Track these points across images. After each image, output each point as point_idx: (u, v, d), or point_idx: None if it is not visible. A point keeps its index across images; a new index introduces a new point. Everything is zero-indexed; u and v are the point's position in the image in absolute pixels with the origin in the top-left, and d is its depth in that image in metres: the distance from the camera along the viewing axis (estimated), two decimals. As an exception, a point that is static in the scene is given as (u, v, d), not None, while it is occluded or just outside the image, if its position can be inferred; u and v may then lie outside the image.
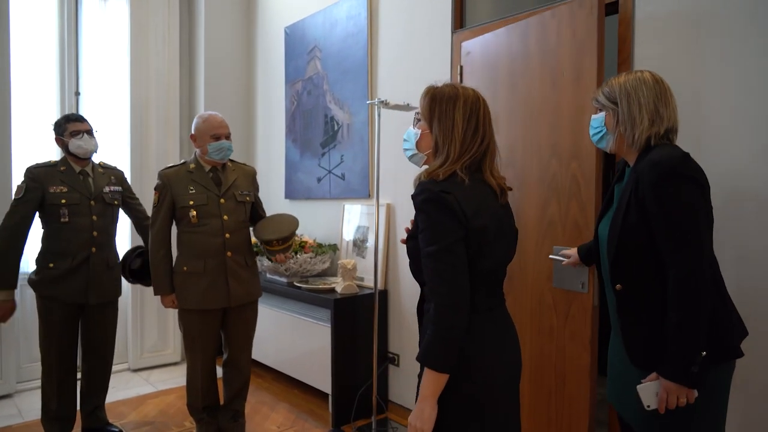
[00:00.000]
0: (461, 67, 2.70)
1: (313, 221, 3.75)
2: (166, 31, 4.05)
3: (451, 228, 1.25)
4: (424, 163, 1.45)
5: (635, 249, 1.41)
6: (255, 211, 2.74)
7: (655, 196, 1.35)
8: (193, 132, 2.60)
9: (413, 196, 1.31)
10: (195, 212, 2.51)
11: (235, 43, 4.32)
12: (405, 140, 1.49)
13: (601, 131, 1.54)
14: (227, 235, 2.54)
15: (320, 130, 3.64)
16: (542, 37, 2.25)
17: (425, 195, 1.27)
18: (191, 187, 2.52)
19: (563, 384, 2.19)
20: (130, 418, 3.13)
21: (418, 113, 1.44)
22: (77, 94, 3.83)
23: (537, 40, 2.28)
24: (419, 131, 1.44)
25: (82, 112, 3.85)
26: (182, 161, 2.66)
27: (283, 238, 2.59)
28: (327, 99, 3.57)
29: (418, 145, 1.43)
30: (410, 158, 1.48)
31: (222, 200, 2.56)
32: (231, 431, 2.70)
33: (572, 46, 2.13)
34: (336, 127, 3.50)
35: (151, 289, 3.97)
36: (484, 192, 1.34)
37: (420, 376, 1.34)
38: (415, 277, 1.42)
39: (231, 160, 2.69)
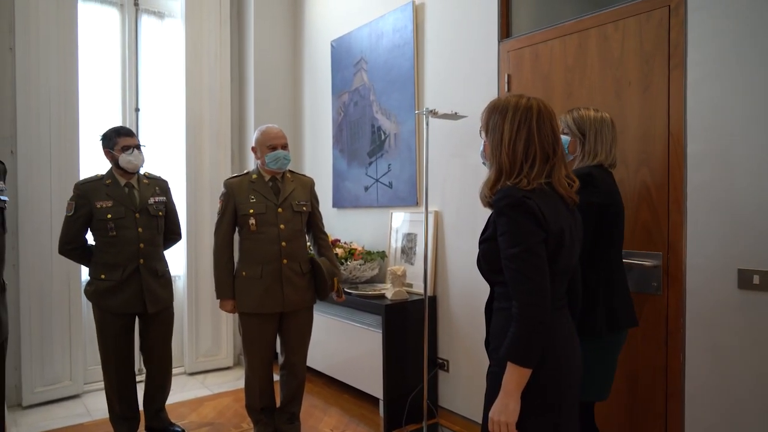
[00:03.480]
0: (509, 76, 2.75)
1: (360, 229, 3.84)
2: (218, 48, 4.23)
3: (533, 230, 1.32)
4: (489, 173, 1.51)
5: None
6: (312, 221, 2.83)
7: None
8: (253, 144, 2.72)
9: (495, 201, 1.38)
10: (254, 220, 2.63)
11: (282, 57, 4.47)
12: (481, 151, 1.57)
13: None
14: (283, 243, 2.65)
15: (367, 140, 3.73)
16: (604, 49, 2.32)
17: (508, 200, 1.35)
18: (252, 196, 2.65)
19: (635, 385, 2.22)
20: (191, 418, 3.26)
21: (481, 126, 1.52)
22: (137, 110, 4.04)
23: (598, 52, 2.34)
24: (482, 142, 1.52)
25: (141, 128, 4.06)
26: (245, 171, 2.79)
27: (330, 289, 2.72)
28: (374, 109, 3.66)
29: (484, 154, 1.51)
30: (485, 165, 1.55)
31: (279, 209, 2.67)
32: None
33: (639, 57, 2.20)
34: (383, 137, 3.58)
35: (205, 297, 4.16)
36: (556, 198, 1.40)
37: (491, 373, 1.40)
38: (485, 277, 1.49)
39: (291, 171, 2.81)
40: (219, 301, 2.70)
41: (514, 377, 1.31)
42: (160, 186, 2.87)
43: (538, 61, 2.60)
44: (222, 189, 2.71)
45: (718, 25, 1.97)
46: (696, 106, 2.03)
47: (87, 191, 2.65)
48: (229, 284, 2.66)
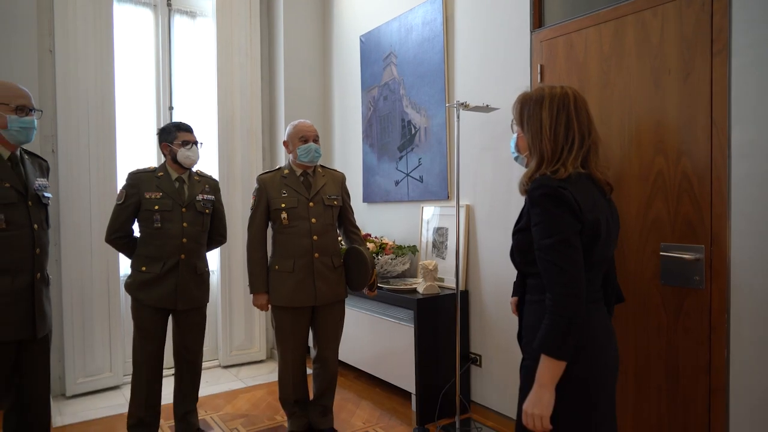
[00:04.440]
0: (542, 67, 2.70)
1: (391, 223, 3.83)
2: (249, 45, 4.27)
3: (568, 221, 1.30)
4: (526, 165, 1.49)
5: None
6: (344, 216, 2.84)
7: None
8: (285, 138, 2.76)
9: (529, 192, 1.36)
10: (286, 214, 2.66)
11: (312, 54, 4.49)
12: (512, 144, 1.56)
13: None
14: (315, 237, 2.67)
15: (397, 134, 3.72)
16: (642, 36, 2.26)
17: (543, 190, 1.32)
18: (284, 191, 2.68)
19: (675, 382, 2.17)
20: (226, 410, 3.32)
21: (513, 119, 1.51)
22: (170, 108, 4.11)
23: (636, 40, 2.28)
24: (515, 135, 1.51)
25: (175, 125, 4.14)
26: (278, 167, 2.82)
27: (368, 281, 2.69)
28: (404, 103, 3.65)
29: (517, 147, 1.50)
30: (516, 160, 1.55)
31: (311, 203, 2.69)
32: (321, 425, 2.82)
33: (679, 43, 2.13)
34: (413, 131, 3.57)
35: (239, 291, 4.22)
36: (592, 187, 1.38)
37: (524, 367, 1.38)
38: (518, 269, 1.47)
39: (322, 166, 2.83)
40: (252, 295, 2.73)
41: (549, 370, 1.30)
42: (210, 185, 2.84)
43: (572, 50, 2.54)
44: (255, 185, 2.75)
45: (766, 7, 1.89)
46: (741, 93, 1.95)
47: (139, 181, 2.66)
48: (262, 278, 2.69)
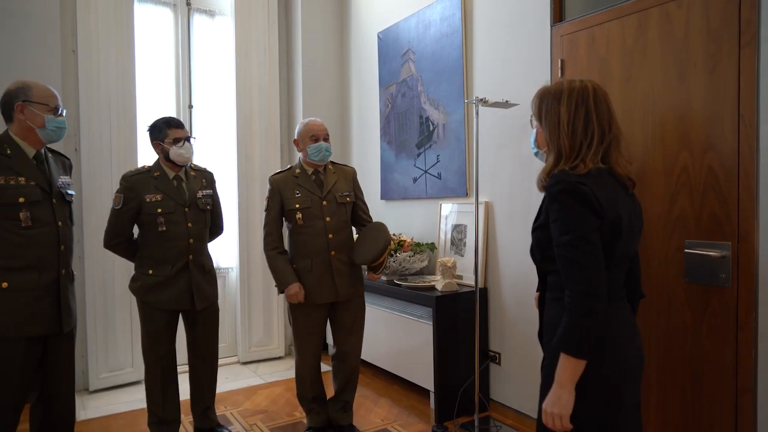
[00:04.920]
0: (562, 61, 2.67)
1: (409, 220, 3.82)
2: (267, 43, 4.29)
3: (587, 218, 1.27)
4: (546, 160, 1.47)
5: None
6: (356, 211, 2.83)
7: None
8: (296, 137, 2.75)
9: (548, 187, 1.34)
10: (301, 215, 2.66)
11: (329, 51, 4.50)
12: (531, 140, 1.54)
13: None
14: (330, 236, 2.67)
15: (415, 131, 3.70)
16: (667, 29, 2.21)
17: (561, 186, 1.30)
18: (297, 191, 2.68)
19: (700, 382, 2.13)
20: (245, 406, 3.35)
21: (532, 114, 1.49)
22: (190, 107, 4.15)
23: (660, 33, 2.23)
24: (535, 130, 1.50)
25: (195, 125, 4.18)
26: (289, 167, 2.82)
27: (374, 259, 2.64)
28: (422, 100, 3.63)
29: (536, 143, 1.48)
30: (536, 156, 1.53)
31: (324, 202, 2.69)
32: (341, 421, 2.83)
33: (705, 35, 2.08)
34: (431, 128, 3.55)
35: (257, 288, 4.24)
36: (614, 183, 1.35)
37: (545, 366, 1.36)
38: (537, 266, 1.45)
39: (332, 163, 2.82)
40: (284, 294, 2.65)
41: (568, 369, 1.28)
42: (206, 178, 2.79)
43: (594, 44, 2.50)
44: (268, 186, 2.74)
45: (795, -2, 1.84)
46: (770, 86, 1.90)
47: (135, 184, 2.56)
48: (289, 271, 2.64)
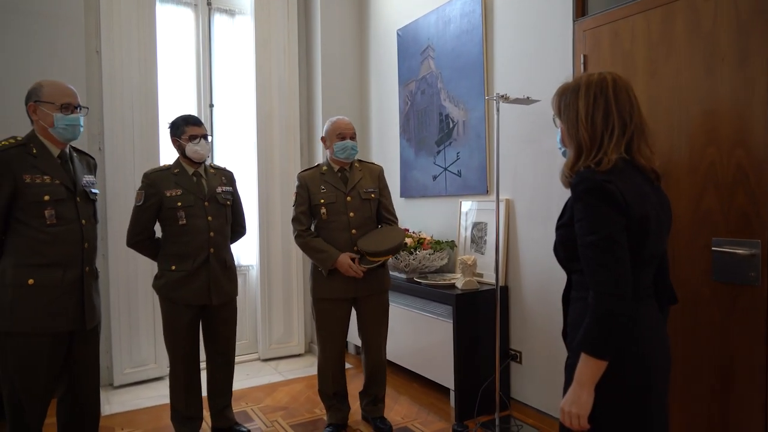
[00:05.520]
0: (585, 57, 2.62)
1: (429, 218, 3.81)
2: (286, 42, 4.31)
3: (612, 217, 1.24)
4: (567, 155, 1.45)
5: None
6: (381, 208, 2.84)
7: None
8: (323, 134, 2.79)
9: (572, 186, 1.31)
10: (325, 210, 2.69)
11: (349, 49, 4.49)
12: (558, 138, 1.51)
13: None
14: (353, 231, 2.70)
15: (435, 129, 3.68)
16: (693, 22, 2.15)
17: (586, 184, 1.27)
18: (323, 187, 2.72)
19: (730, 383, 2.07)
20: (266, 402, 3.37)
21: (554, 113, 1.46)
22: (211, 106, 4.19)
23: (686, 26, 2.18)
24: (558, 129, 1.46)
25: (216, 123, 4.21)
26: (317, 164, 2.86)
27: (374, 252, 2.63)
28: (441, 97, 3.61)
29: (562, 141, 1.46)
30: (564, 155, 1.50)
31: (348, 198, 2.71)
32: (372, 413, 2.89)
33: (735, 28, 2.02)
34: (451, 125, 3.52)
35: (277, 286, 4.27)
36: (639, 178, 1.32)
37: (569, 366, 1.34)
38: (562, 265, 1.43)
39: (360, 161, 2.85)
40: (338, 266, 2.62)
41: (588, 369, 1.25)
42: (226, 176, 2.83)
43: (617, 39, 2.46)
44: (294, 181, 2.79)
45: (830, -12, 1.78)
46: (802, 80, 1.84)
47: (156, 180, 2.60)
48: (328, 247, 2.65)
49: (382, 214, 2.86)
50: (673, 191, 2.21)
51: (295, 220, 2.74)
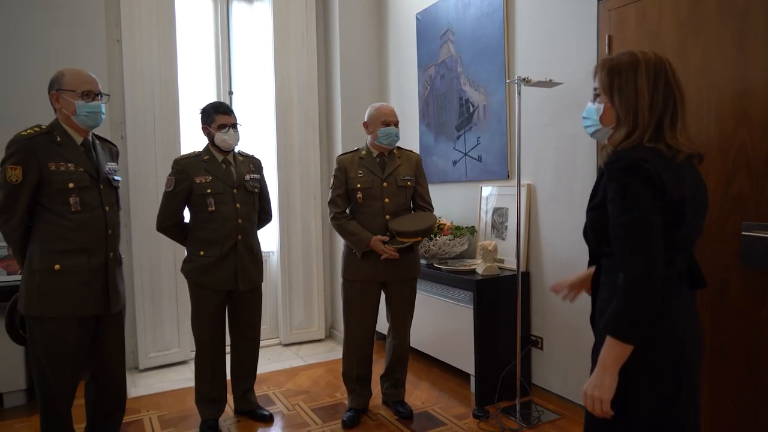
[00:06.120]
0: (609, 37, 2.55)
1: (449, 204, 3.78)
2: (305, 28, 4.29)
3: (648, 197, 1.20)
4: (609, 138, 1.39)
5: None
6: (416, 195, 2.85)
7: None
8: (366, 119, 2.80)
9: (607, 164, 1.28)
10: (361, 194, 2.72)
11: (367, 35, 4.45)
12: (585, 117, 1.44)
13: None
14: (387, 217, 2.72)
15: (455, 113, 3.64)
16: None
17: (623, 162, 1.23)
18: (360, 171, 2.75)
19: (759, 371, 2.03)
20: (288, 386, 3.41)
21: (596, 88, 1.39)
22: (230, 93, 4.20)
23: (717, 3, 2.11)
24: (601, 106, 1.38)
25: (235, 111, 4.17)
26: (356, 149, 2.87)
27: (404, 233, 2.64)
28: (461, 81, 3.56)
29: (601, 119, 1.38)
30: (593, 134, 1.43)
31: (384, 183, 2.73)
32: (393, 397, 2.91)
33: None
34: (471, 109, 3.48)
35: (298, 272, 4.29)
36: (679, 161, 1.27)
37: (596, 351, 1.32)
38: (591, 248, 1.40)
39: (398, 148, 2.86)
40: (372, 248, 2.66)
41: (613, 352, 1.23)
42: (254, 164, 2.86)
43: (644, 18, 2.38)
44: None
45: None
46: (839, 57, 1.77)
47: (186, 167, 2.64)
48: (362, 230, 2.68)
49: (417, 202, 2.86)
50: (702, 174, 2.14)
51: (332, 203, 2.77)
